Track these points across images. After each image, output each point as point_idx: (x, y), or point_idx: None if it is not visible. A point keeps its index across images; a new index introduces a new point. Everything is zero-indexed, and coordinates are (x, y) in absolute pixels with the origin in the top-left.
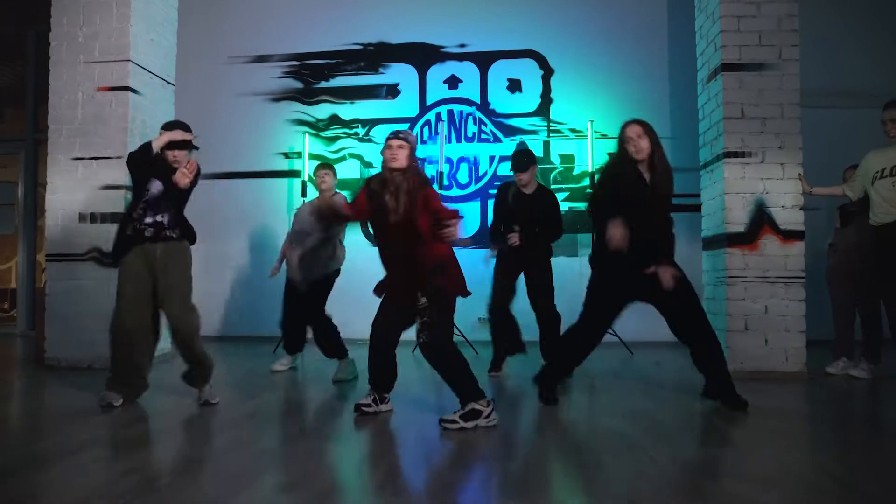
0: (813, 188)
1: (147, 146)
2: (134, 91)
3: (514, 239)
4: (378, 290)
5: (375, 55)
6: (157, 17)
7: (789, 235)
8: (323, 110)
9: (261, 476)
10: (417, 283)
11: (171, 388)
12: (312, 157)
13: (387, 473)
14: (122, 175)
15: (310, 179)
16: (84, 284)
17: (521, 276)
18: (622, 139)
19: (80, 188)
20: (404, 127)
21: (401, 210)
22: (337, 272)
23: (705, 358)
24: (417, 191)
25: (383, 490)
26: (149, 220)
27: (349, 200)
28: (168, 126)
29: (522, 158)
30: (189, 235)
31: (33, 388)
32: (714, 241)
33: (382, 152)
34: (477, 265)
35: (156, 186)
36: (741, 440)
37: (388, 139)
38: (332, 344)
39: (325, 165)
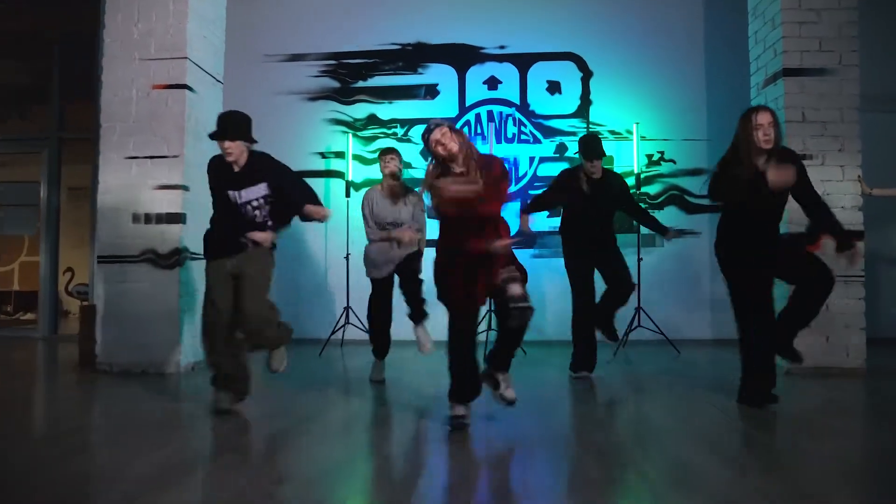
0: (872, 190)
1: None
2: (190, 89)
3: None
4: (454, 288)
5: (414, 55)
6: (209, 15)
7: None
8: (360, 110)
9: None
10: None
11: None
12: (354, 157)
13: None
14: (178, 174)
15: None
16: (138, 287)
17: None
18: (749, 126)
19: (133, 188)
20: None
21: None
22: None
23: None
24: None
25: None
26: None
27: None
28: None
29: (599, 145)
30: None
31: (102, 394)
32: None
33: (436, 151)
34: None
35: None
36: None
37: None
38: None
39: (391, 149)
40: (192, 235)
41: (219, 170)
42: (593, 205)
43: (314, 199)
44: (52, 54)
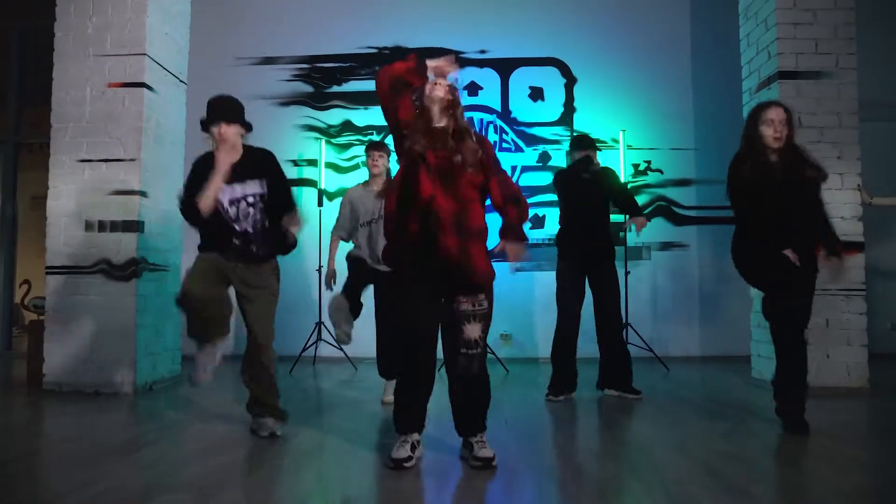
0: (873, 199)
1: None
2: (149, 88)
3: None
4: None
5: (391, 59)
6: (171, 10)
7: (849, 247)
8: (335, 116)
9: None
10: (469, 260)
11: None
12: (328, 165)
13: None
14: (135, 179)
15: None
16: (90, 300)
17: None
18: (758, 121)
19: (86, 193)
20: None
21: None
22: None
23: None
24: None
25: None
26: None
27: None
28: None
29: (587, 137)
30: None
31: (47, 416)
32: None
33: (430, 92)
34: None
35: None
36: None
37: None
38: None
39: (378, 145)
40: (150, 245)
41: (202, 170)
42: (589, 198)
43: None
44: (9, 52)
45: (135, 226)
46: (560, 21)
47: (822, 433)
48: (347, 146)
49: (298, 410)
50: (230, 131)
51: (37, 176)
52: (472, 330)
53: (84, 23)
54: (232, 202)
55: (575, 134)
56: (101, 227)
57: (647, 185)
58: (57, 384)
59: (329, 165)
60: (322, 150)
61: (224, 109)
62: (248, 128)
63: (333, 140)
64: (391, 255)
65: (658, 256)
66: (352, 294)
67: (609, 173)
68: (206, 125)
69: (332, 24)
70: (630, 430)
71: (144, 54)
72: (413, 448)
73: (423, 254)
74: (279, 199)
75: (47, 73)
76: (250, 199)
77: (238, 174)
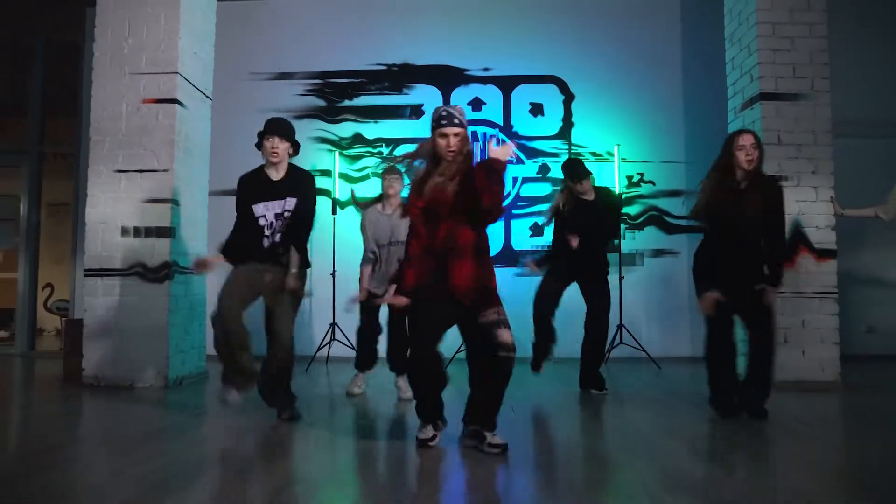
0: (844, 210)
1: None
2: (181, 104)
3: (574, 242)
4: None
5: (399, 76)
6: (199, 31)
7: (823, 254)
8: (346, 129)
9: None
10: (479, 276)
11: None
12: (340, 175)
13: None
14: (167, 188)
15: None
16: (126, 301)
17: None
18: (732, 146)
19: (122, 201)
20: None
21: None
22: None
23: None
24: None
25: None
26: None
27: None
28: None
29: (581, 165)
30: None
31: (90, 407)
32: None
33: (437, 142)
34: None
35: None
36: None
37: (444, 126)
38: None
39: (394, 170)
40: (181, 249)
41: (249, 184)
42: (580, 226)
43: (304, 241)
44: (33, 66)
45: (168, 231)
46: (559, 41)
47: (795, 419)
48: (358, 157)
49: (315, 405)
50: (281, 147)
51: (53, 184)
52: (506, 334)
53: (121, 44)
54: (277, 216)
55: (571, 159)
56: (137, 232)
57: (641, 196)
58: (94, 378)
59: (341, 176)
60: (336, 162)
61: (278, 126)
62: (296, 148)
63: (345, 152)
64: (408, 283)
65: (650, 263)
66: (368, 339)
67: (606, 199)
68: (264, 134)
69: (343, 42)
70: (623, 417)
71: (177, 73)
72: (436, 427)
73: (441, 277)
74: (299, 218)
75: (69, 85)
76: (286, 215)
77: (281, 192)
